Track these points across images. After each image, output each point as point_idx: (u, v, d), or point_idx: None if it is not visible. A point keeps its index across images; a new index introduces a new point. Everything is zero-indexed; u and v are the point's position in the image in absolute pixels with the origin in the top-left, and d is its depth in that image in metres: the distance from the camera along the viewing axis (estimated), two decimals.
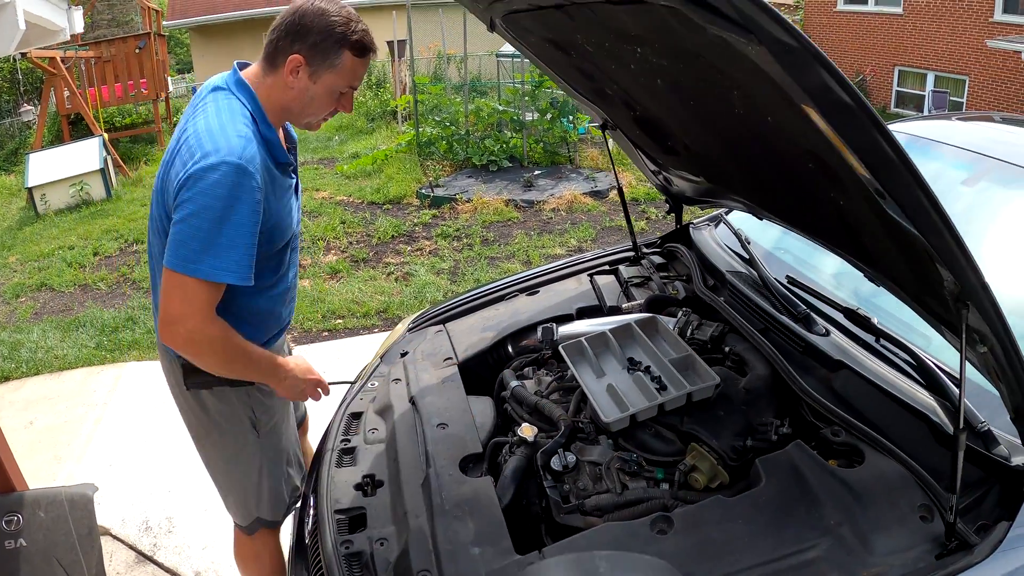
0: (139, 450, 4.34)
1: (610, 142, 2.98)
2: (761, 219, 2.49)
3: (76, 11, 5.75)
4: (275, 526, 2.49)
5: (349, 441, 2.25)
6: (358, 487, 2.04)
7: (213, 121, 1.88)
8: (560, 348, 2.27)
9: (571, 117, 10.74)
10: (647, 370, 2.16)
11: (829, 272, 2.63)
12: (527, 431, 2.02)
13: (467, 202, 9.07)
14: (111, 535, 3.60)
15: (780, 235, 2.95)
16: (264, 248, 1.97)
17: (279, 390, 2.17)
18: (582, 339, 2.28)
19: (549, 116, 10.62)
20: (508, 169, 10.49)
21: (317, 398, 2.28)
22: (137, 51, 14.81)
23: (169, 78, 17.04)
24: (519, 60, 12.36)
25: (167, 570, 3.42)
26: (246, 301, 2.07)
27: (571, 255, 7.27)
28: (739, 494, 1.77)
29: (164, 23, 18.22)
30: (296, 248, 2.26)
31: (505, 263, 7.14)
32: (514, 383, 2.29)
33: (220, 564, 3.39)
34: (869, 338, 2.14)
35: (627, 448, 1.99)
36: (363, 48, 1.93)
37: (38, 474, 3.96)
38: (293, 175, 2.14)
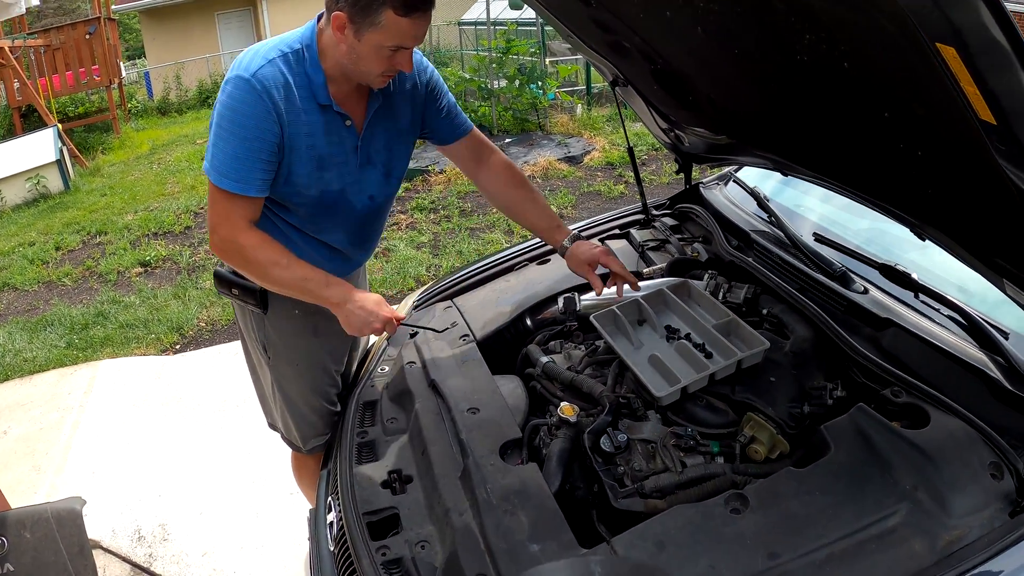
0: (122, 454, 4.15)
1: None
2: (787, 175, 2.37)
3: None
4: (300, 451, 2.54)
5: (367, 434, 2.10)
6: (385, 484, 1.88)
7: (257, 45, 1.98)
8: (592, 319, 2.12)
9: (540, 83, 10.55)
10: (688, 337, 2.03)
11: (853, 228, 2.53)
12: (568, 411, 1.88)
13: (440, 173, 8.86)
14: (102, 548, 3.40)
15: (789, 190, 2.84)
16: (293, 184, 2.02)
17: (339, 318, 2.11)
18: (614, 308, 2.14)
19: (517, 83, 10.41)
20: None
21: (379, 334, 2.19)
22: (87, 37, 14.38)
23: (121, 64, 16.58)
24: (483, 27, 12.13)
25: None
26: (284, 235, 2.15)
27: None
28: (802, 463, 1.67)
29: (114, 7, 17.73)
30: (349, 212, 2.18)
31: (486, 233, 6.96)
32: (543, 358, 2.15)
33: (223, 570, 3.22)
34: (907, 295, 2.06)
35: (678, 422, 1.86)
36: (407, 6, 1.79)
37: (18, 487, 3.78)
38: (349, 126, 2.06)
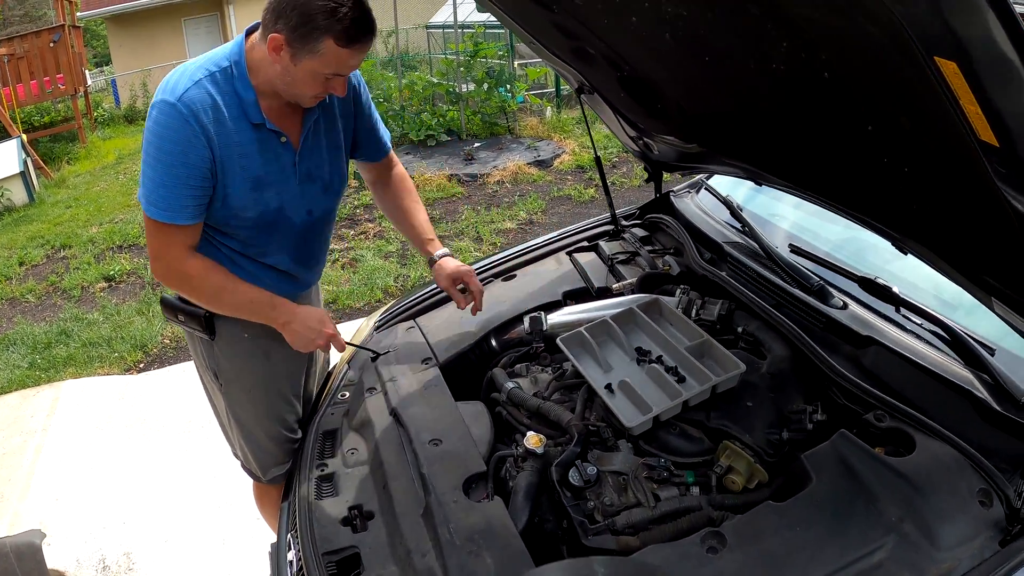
0: (86, 479, 4.01)
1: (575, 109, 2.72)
2: (760, 184, 2.28)
3: None
4: (260, 480, 2.44)
5: (326, 466, 2.00)
6: (345, 521, 1.79)
7: (184, 65, 1.89)
8: (559, 342, 2.02)
9: (508, 86, 10.45)
10: (659, 360, 1.94)
11: (830, 237, 2.44)
12: (534, 441, 1.78)
13: None
14: None
15: (763, 197, 2.75)
16: (230, 207, 1.95)
17: (285, 337, 2.09)
18: (581, 329, 2.04)
19: (486, 86, 10.30)
20: (447, 143, 10.15)
21: (326, 351, 2.19)
22: (52, 45, 14.08)
23: (87, 72, 16.28)
24: (451, 31, 12.04)
25: None
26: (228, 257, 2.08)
27: (524, 228, 7.09)
28: (781, 493, 1.59)
29: (79, 14, 17.43)
30: (289, 229, 2.10)
31: (455, 241, 6.84)
32: (508, 384, 2.05)
33: None
34: (887, 309, 1.98)
35: (650, 451, 1.77)
36: (350, 37, 1.75)
37: None
38: (284, 142, 1.99)
